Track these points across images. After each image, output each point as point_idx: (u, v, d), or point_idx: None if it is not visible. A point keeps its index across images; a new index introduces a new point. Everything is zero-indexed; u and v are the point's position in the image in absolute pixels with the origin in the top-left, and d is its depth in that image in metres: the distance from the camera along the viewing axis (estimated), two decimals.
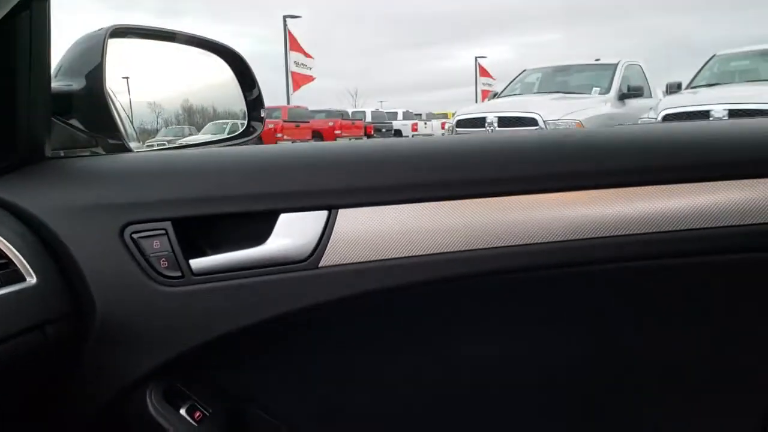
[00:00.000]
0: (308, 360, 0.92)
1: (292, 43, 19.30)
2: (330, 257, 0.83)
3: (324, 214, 0.83)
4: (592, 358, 0.96)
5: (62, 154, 0.99)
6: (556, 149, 0.89)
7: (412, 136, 21.17)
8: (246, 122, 1.30)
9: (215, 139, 1.34)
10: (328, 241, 0.83)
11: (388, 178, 0.85)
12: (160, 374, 0.84)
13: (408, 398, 0.94)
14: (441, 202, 0.84)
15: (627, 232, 0.84)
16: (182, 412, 0.85)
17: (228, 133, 1.32)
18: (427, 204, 0.84)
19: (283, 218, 0.83)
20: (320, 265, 0.83)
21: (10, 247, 0.77)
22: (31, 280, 0.77)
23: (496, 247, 0.84)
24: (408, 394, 0.94)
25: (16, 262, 0.77)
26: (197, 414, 0.86)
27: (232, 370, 0.91)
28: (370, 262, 0.83)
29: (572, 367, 0.95)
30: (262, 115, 1.31)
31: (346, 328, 0.91)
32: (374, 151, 0.89)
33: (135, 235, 0.83)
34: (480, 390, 0.96)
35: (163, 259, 0.83)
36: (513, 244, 0.83)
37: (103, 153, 1.04)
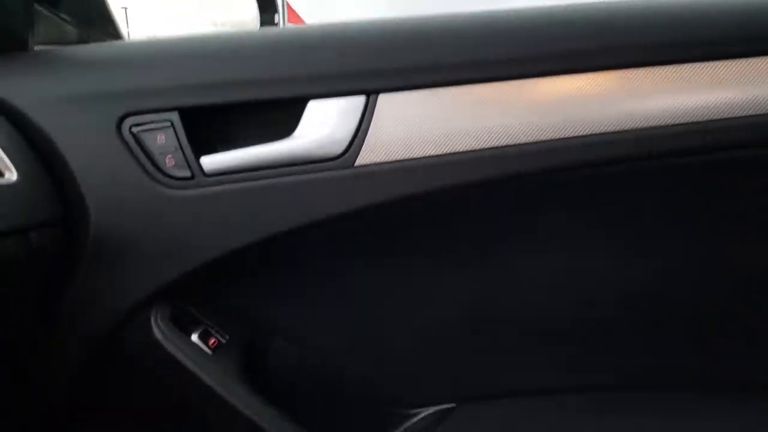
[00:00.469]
0: (336, 279, 0.79)
1: None
2: (368, 154, 0.68)
3: (361, 100, 0.69)
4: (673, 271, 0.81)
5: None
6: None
7: None
8: None
9: None
10: (365, 134, 0.68)
11: (441, 55, 0.70)
12: (166, 295, 0.71)
13: (459, 320, 0.81)
14: (504, 83, 0.69)
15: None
16: (194, 338, 0.72)
17: None
18: (486, 86, 0.69)
19: (313, 106, 0.69)
20: (356, 163, 0.68)
21: None
22: (11, 176, 0.64)
23: (570, 137, 0.69)
24: (458, 315, 0.81)
25: None
26: (212, 341, 0.73)
27: (249, 292, 0.77)
28: (415, 159, 0.68)
29: (650, 280, 0.81)
30: None
31: (386, 240, 0.77)
32: (423, 25, 0.74)
33: (135, 129, 0.69)
34: (543, 307, 0.82)
35: (170, 156, 0.69)
36: (590, 133, 0.69)
37: None
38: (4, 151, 0.65)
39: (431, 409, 0.81)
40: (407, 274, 0.79)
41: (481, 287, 0.80)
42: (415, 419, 0.82)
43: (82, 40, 0.92)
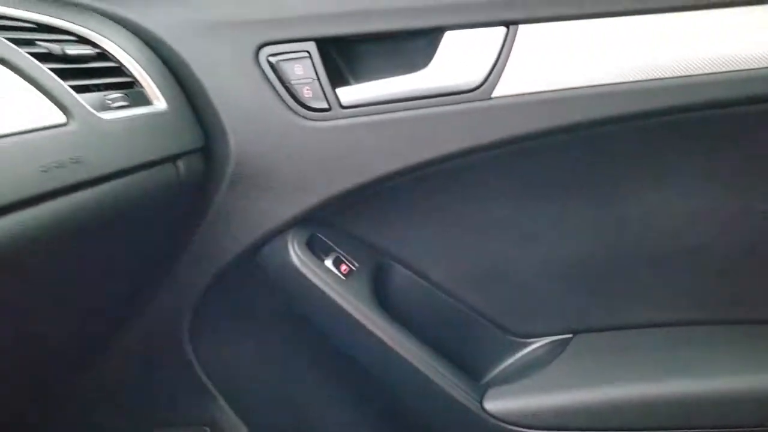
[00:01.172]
0: (467, 213, 0.79)
1: None
2: (506, 86, 0.67)
3: (501, 31, 0.67)
4: None
5: None
6: None
7: None
8: None
9: None
10: (504, 66, 0.67)
11: None
12: (302, 222, 0.74)
13: (579, 256, 0.81)
14: (647, 16, 0.66)
15: None
16: (328, 263, 0.75)
17: None
18: (630, 19, 0.66)
19: (450, 37, 0.68)
20: (493, 95, 0.68)
21: (136, 65, 0.66)
22: (159, 105, 0.67)
23: (712, 73, 0.66)
24: (578, 251, 0.81)
25: (142, 83, 0.66)
26: (344, 267, 0.76)
27: (379, 223, 0.79)
28: (554, 91, 0.67)
29: None
30: None
31: (517, 175, 0.77)
32: None
33: (273, 59, 0.70)
34: (659, 246, 0.80)
35: (307, 87, 0.70)
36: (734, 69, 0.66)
37: None
38: (152, 78, 0.68)
39: (548, 339, 0.83)
40: (534, 210, 0.79)
41: (604, 225, 0.79)
42: (532, 347, 0.84)
43: None
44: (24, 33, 0.58)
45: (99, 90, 0.61)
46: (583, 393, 0.74)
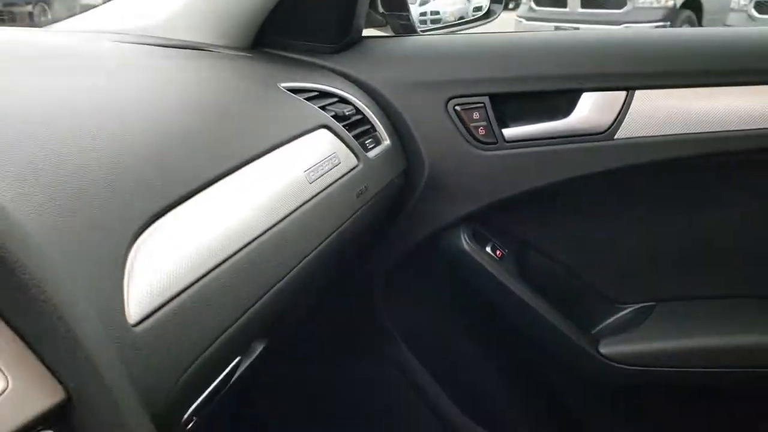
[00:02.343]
0: (590, 217, 1.10)
1: None
2: (625, 131, 0.98)
3: (622, 94, 0.97)
4: None
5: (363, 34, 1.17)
6: None
7: None
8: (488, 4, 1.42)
9: (462, 21, 1.46)
10: (624, 118, 0.98)
11: (686, 63, 0.97)
12: (470, 220, 1.06)
13: (667, 245, 1.11)
14: (728, 87, 0.97)
15: None
16: (488, 249, 1.07)
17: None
18: (712, 89, 0.97)
19: (586, 96, 0.99)
20: (615, 137, 0.98)
21: (371, 114, 0.98)
22: (386, 142, 0.99)
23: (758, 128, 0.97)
24: (665, 242, 1.10)
25: (376, 127, 0.98)
26: (498, 252, 1.08)
27: (522, 222, 1.11)
28: (659, 136, 0.98)
29: None
30: None
31: (628, 193, 1.07)
32: (671, 37, 1.01)
33: (458, 107, 1.01)
34: (729, 247, 1.10)
35: (481, 128, 1.01)
36: None
37: (392, 32, 1.21)
38: (380, 123, 0.99)
39: (638, 305, 1.13)
40: (634, 216, 1.09)
41: (685, 231, 1.09)
42: (622, 313, 1.14)
43: (382, 24, 1.23)
44: (319, 101, 0.90)
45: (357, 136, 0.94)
46: (669, 342, 1.05)
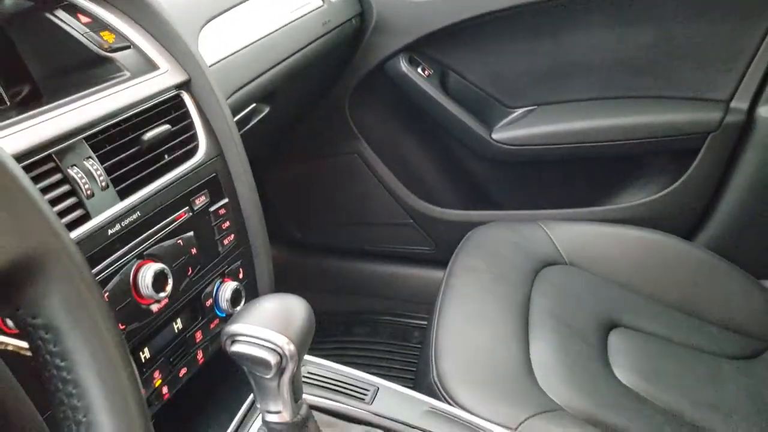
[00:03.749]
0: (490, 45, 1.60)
1: None
2: None
3: None
4: None
5: None
6: None
7: None
8: None
9: None
10: None
11: None
12: (407, 49, 1.56)
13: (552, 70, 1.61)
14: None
15: None
16: (419, 70, 1.58)
17: None
18: None
19: None
20: None
21: None
22: None
23: None
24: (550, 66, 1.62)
25: None
26: (426, 72, 1.58)
27: (450, 48, 1.60)
28: None
29: None
30: None
31: (521, 31, 1.56)
32: None
33: None
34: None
35: None
36: None
37: None
38: None
39: (524, 109, 1.65)
40: (524, 47, 1.59)
41: (557, 53, 1.59)
42: (513, 115, 1.66)
43: None
44: None
45: None
46: (541, 128, 1.57)
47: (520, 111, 1.64)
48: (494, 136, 1.59)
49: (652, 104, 1.51)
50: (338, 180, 1.77)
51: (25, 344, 0.48)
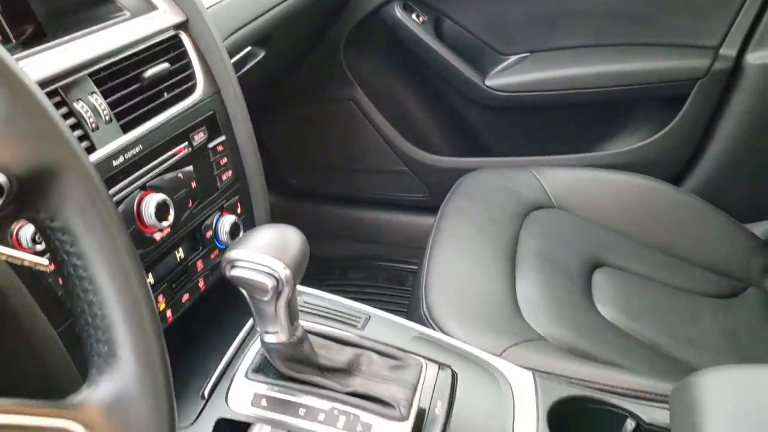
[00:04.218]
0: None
1: None
2: None
3: None
4: None
5: None
6: None
7: None
8: None
9: None
10: None
11: None
12: None
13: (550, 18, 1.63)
14: None
15: None
16: (413, 16, 1.59)
17: None
18: None
19: None
20: None
21: None
22: None
23: None
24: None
25: None
26: (421, 18, 1.60)
27: None
28: None
29: None
30: None
31: None
32: None
33: None
34: None
35: None
36: None
37: None
38: None
39: (518, 56, 1.66)
40: None
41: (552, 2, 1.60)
42: (506, 62, 1.68)
43: None
44: None
45: None
46: (533, 75, 1.60)
47: (513, 58, 1.66)
48: (487, 82, 1.61)
49: (642, 51, 1.53)
50: (333, 127, 1.80)
51: (40, 259, 0.52)
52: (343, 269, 1.91)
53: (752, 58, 1.45)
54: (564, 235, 1.31)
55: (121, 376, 0.41)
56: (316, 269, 1.82)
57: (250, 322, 0.86)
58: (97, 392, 0.41)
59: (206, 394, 0.76)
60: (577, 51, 1.61)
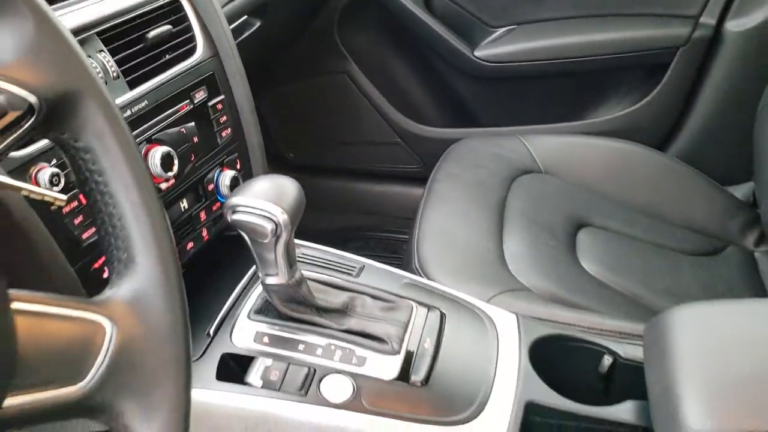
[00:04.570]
0: None
1: None
2: None
3: None
4: None
5: None
6: None
7: None
8: None
9: None
10: None
11: None
12: None
13: None
14: None
15: None
16: None
17: None
18: None
19: None
20: None
21: None
22: None
23: None
24: None
25: None
26: None
27: None
28: None
29: None
30: None
31: None
32: None
33: None
34: None
35: None
36: None
37: None
38: None
39: (506, 28, 1.71)
40: None
41: None
42: (495, 34, 1.73)
43: None
44: None
45: None
46: (521, 45, 1.64)
47: (501, 30, 1.71)
48: (476, 53, 1.66)
49: (625, 21, 1.59)
50: (328, 101, 1.85)
51: (59, 195, 0.57)
52: (339, 241, 1.96)
53: (731, 25, 1.50)
54: (550, 198, 1.37)
55: (139, 278, 0.46)
56: (313, 242, 1.87)
57: (252, 269, 0.91)
58: (120, 292, 0.46)
59: (211, 333, 0.82)
60: (563, 22, 1.66)
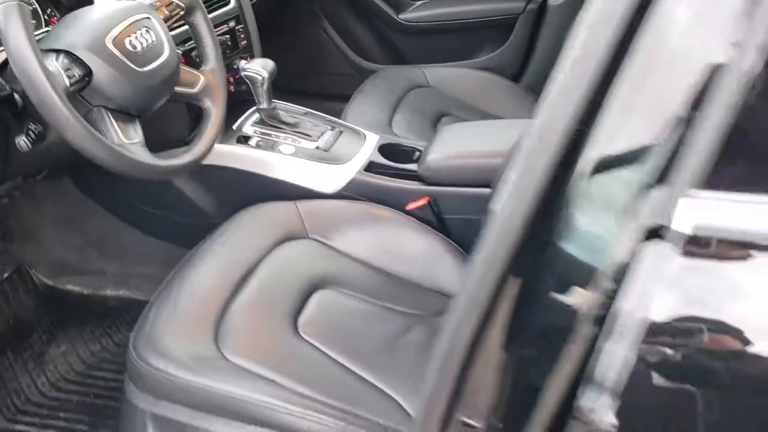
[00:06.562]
0: None
1: None
2: None
3: None
4: None
5: None
6: None
7: None
8: None
9: None
10: None
11: None
12: None
13: None
14: None
15: None
16: None
17: None
18: None
19: None
20: None
21: None
22: None
23: None
24: None
25: None
26: None
27: None
28: None
29: None
30: None
31: None
32: None
33: None
34: None
35: None
36: None
37: None
38: None
39: None
40: None
41: None
42: None
43: None
44: None
45: None
46: (431, 12, 2.61)
47: (418, 3, 2.68)
48: (401, 16, 2.64)
49: None
50: (309, 46, 2.81)
51: None
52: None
53: (552, 1, 2.46)
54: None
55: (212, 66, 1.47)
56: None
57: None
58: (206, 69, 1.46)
59: (234, 128, 1.81)
60: None
